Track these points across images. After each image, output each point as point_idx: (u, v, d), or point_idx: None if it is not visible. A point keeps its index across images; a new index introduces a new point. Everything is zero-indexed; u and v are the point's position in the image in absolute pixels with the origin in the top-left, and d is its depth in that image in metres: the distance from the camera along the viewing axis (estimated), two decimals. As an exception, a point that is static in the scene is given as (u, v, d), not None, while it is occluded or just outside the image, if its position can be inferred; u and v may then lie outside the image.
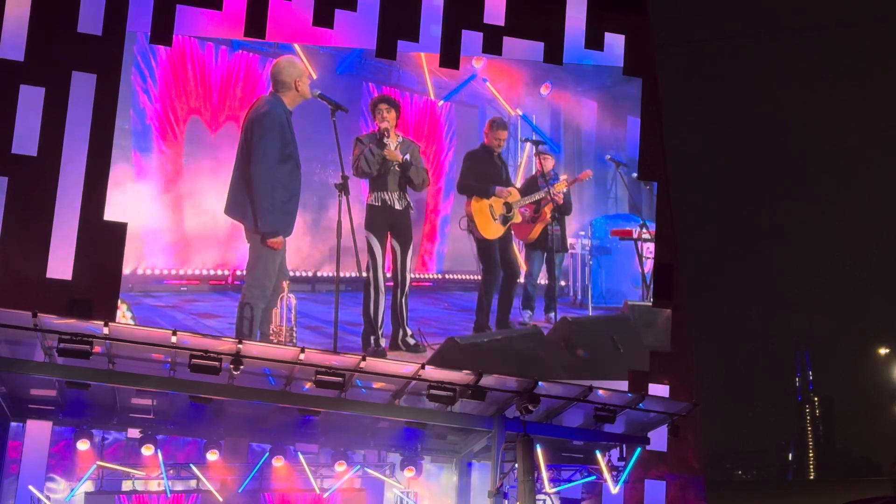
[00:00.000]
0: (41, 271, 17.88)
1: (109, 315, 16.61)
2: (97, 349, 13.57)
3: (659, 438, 18.85)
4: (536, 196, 21.86)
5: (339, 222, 18.97)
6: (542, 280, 22.14)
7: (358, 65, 21.23)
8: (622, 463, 17.57)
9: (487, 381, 15.20)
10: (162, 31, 19.06)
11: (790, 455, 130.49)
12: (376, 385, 15.67)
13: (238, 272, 19.36)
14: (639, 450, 17.54)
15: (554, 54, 21.97)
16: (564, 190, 21.97)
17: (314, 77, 20.04)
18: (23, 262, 17.82)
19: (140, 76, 19.24)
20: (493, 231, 21.46)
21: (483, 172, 21.51)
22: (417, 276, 20.98)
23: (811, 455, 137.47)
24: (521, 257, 21.96)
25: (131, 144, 19.08)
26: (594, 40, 22.24)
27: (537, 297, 21.90)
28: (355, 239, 19.10)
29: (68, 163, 18.40)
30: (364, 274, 19.96)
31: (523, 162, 22.57)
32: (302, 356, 14.31)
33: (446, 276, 21.83)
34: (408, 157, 20.43)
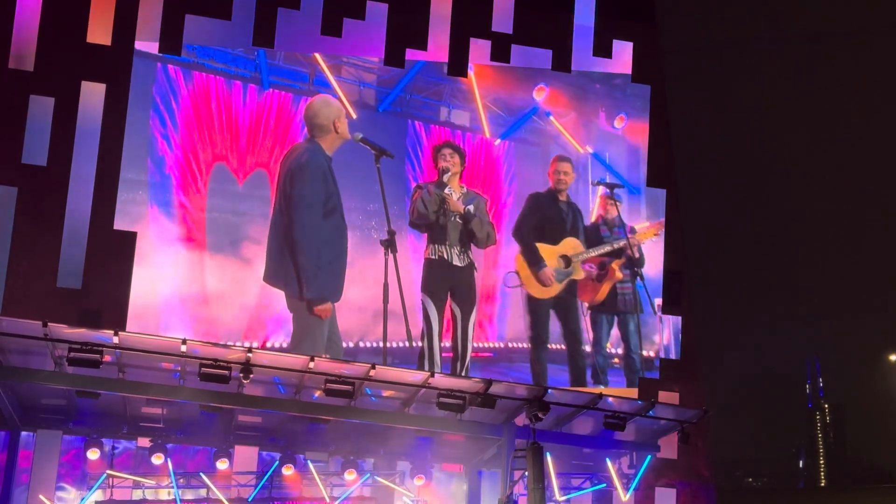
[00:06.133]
0: (51, 281, 17.88)
1: (119, 324, 16.60)
2: (107, 358, 13.62)
3: (669, 446, 18.80)
4: (606, 247, 19.46)
5: (386, 284, 17.13)
6: (617, 349, 19.81)
7: (402, 101, 19.68)
8: (632, 471, 17.59)
9: (497, 388, 15.20)
10: (171, 41, 19.04)
11: (801, 462, 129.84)
12: (386, 393, 15.67)
13: (269, 343, 17.78)
14: (649, 457, 17.52)
15: (562, 62, 21.91)
16: (652, 239, 19.82)
17: (353, 116, 18.57)
18: (33, 271, 17.83)
19: (160, 120, 18.04)
20: (548, 290, 19.15)
21: (543, 219, 19.46)
22: (476, 345, 18.73)
23: (822, 462, 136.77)
24: (586, 322, 19.66)
25: (148, 198, 17.91)
26: (602, 47, 22.16)
27: (611, 369, 19.51)
28: (404, 303, 17.22)
29: (78, 172, 18.35)
30: (417, 344, 18.13)
31: (595, 208, 20.34)
32: (311, 364, 14.33)
33: (509, 345, 19.47)
34: (470, 208, 18.50)
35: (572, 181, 20.03)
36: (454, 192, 18.57)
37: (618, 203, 19.98)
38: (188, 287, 17.86)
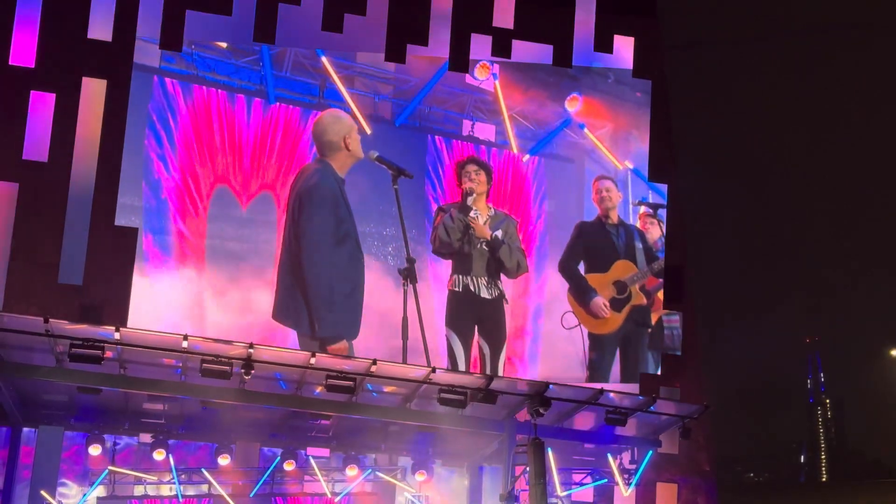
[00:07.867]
0: (52, 277, 17.89)
1: (121, 320, 16.60)
2: (108, 354, 13.62)
3: (670, 441, 18.81)
4: (662, 261, 18.06)
5: (405, 317, 15.99)
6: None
7: (421, 114, 18.22)
8: (634, 466, 17.59)
9: (498, 384, 15.20)
10: (172, 37, 19.00)
11: (802, 457, 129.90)
12: (387, 389, 15.66)
13: None
14: (650, 453, 17.52)
15: (563, 57, 21.82)
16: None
17: (368, 132, 17.32)
18: (34, 267, 17.84)
19: (156, 140, 17.02)
20: (606, 323, 17.68)
21: (590, 248, 17.95)
22: (506, 385, 17.13)
23: (823, 457, 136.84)
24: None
25: (142, 225, 16.93)
26: (603, 43, 22.06)
27: None
28: (425, 339, 16.14)
29: (79, 168, 18.37)
30: None
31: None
32: (313, 360, 14.32)
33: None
34: (498, 233, 17.20)
35: (619, 200, 18.65)
36: (480, 216, 17.31)
37: (661, 223, 18.73)
38: (186, 323, 16.73)
